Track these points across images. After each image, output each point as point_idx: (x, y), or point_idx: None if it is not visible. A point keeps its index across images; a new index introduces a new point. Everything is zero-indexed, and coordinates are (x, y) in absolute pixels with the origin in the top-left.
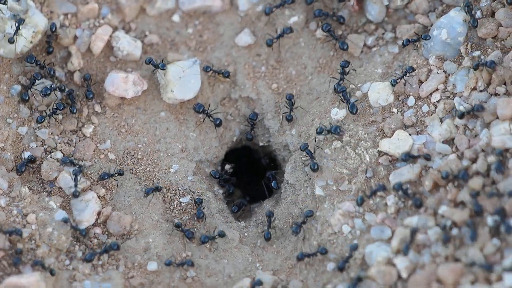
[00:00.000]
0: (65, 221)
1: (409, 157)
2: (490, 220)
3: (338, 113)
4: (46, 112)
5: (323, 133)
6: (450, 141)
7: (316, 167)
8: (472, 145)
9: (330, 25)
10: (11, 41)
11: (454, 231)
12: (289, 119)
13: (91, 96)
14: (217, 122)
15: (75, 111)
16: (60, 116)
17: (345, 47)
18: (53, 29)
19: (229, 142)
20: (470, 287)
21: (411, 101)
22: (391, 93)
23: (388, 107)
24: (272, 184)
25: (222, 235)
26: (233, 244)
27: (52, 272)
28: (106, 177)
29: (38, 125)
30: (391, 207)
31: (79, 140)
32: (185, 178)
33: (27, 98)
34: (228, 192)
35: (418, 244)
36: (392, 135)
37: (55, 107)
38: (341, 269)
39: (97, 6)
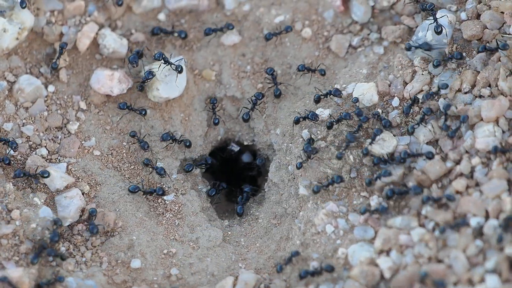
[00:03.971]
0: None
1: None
2: (473, 221)
3: (324, 113)
4: None
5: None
6: (434, 143)
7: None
8: (456, 146)
9: (273, 69)
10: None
11: (437, 233)
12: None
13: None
14: (216, 122)
15: None
16: (46, 113)
17: (278, 93)
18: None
19: (214, 141)
20: None
21: (395, 102)
22: (375, 93)
23: (373, 108)
24: (238, 209)
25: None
26: (216, 242)
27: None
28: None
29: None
30: (375, 208)
31: (64, 137)
32: (169, 176)
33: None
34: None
35: (401, 244)
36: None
37: None
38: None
39: (84, 3)
